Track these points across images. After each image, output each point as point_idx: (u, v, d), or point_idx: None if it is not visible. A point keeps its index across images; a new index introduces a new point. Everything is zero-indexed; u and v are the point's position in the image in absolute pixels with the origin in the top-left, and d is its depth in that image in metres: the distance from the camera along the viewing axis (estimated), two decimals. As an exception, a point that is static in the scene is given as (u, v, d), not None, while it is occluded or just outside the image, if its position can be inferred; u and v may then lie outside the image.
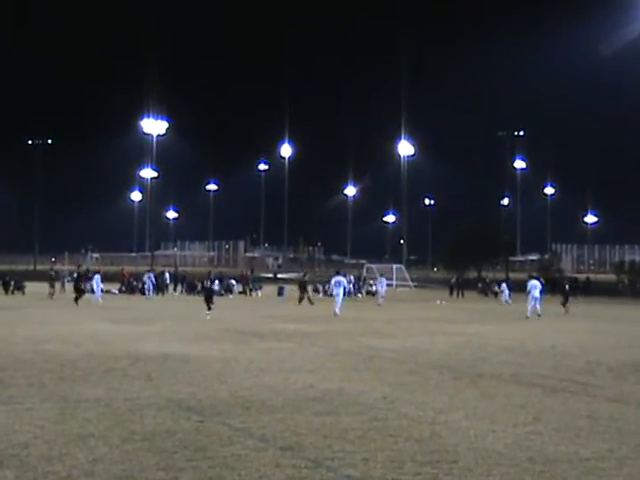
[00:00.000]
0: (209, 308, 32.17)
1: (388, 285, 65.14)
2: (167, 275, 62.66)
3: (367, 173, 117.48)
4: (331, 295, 41.14)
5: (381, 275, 52.94)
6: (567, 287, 42.86)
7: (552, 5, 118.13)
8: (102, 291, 44.93)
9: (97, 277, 44.75)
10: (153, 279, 54.71)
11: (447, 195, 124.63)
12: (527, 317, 34.42)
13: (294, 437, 9.53)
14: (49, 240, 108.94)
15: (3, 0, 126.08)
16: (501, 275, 73.68)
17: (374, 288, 64.79)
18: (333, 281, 38.22)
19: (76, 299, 39.73)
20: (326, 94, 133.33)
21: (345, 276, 41.25)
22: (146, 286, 53.11)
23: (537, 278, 38.65)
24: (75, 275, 46.95)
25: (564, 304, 39.59)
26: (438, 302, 50.13)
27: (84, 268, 52.26)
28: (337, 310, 34.55)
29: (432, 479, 7.92)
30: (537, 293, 35.52)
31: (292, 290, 53.85)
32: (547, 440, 9.62)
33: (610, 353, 20.03)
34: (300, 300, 43.20)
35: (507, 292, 50.55)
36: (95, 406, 11.36)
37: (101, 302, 41.19)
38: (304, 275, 53.99)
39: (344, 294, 38.12)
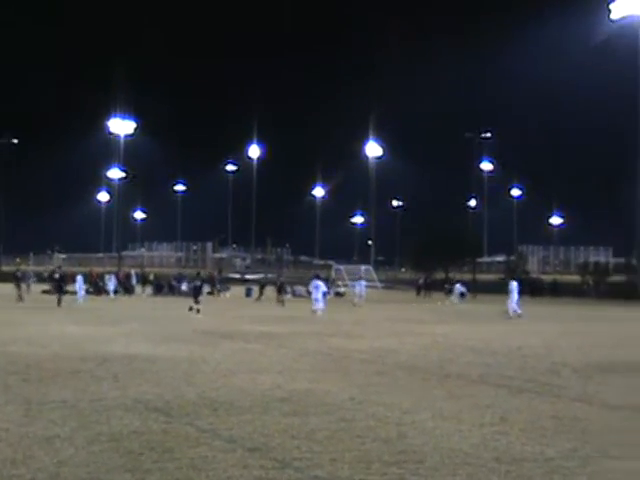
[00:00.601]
0: (197, 309, 34.09)
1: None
2: (134, 276, 62.48)
3: (335, 174, 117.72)
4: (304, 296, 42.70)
5: (359, 278, 53.74)
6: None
7: (520, 5, 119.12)
8: (85, 292, 45.74)
9: (79, 278, 44.91)
10: (114, 280, 54.65)
11: (415, 196, 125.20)
12: (510, 317, 34.84)
13: (262, 438, 9.52)
14: (13, 240, 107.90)
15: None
16: (468, 276, 74.04)
17: (342, 289, 65.10)
18: (312, 285, 38.88)
19: (59, 301, 40.40)
20: (294, 95, 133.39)
21: (322, 279, 42.07)
22: (108, 287, 53.06)
23: (518, 279, 39.61)
24: (57, 276, 46.73)
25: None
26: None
27: (62, 269, 52.17)
28: (317, 308, 36.19)
29: (399, 479, 7.95)
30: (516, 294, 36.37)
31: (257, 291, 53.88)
32: (513, 440, 9.68)
33: (575, 354, 20.22)
34: (281, 302, 44.38)
35: (458, 292, 51.66)
36: (61, 407, 11.27)
37: (82, 303, 41.20)
38: (279, 276, 54.37)
39: (324, 296, 38.69)
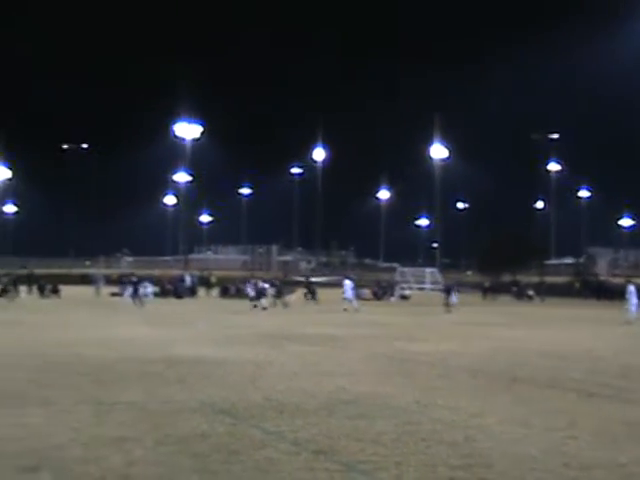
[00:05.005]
0: (262, 307, 38.69)
1: (420, 289, 65.08)
2: (189, 278, 63.48)
3: (400, 176, 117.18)
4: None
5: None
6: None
7: (586, 6, 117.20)
8: (151, 295, 47.96)
9: (147, 283, 46.78)
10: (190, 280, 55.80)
11: (480, 198, 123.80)
12: (630, 322, 33.59)
13: (327, 441, 9.52)
14: (84, 244, 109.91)
15: (45, 7, 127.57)
16: (535, 279, 73.07)
17: (407, 292, 64.77)
18: (345, 285, 43.41)
19: (134, 303, 43.42)
20: (359, 97, 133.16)
21: (351, 279, 46.03)
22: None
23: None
24: (135, 279, 48.12)
25: None
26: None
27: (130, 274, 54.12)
28: (354, 305, 40.57)
29: (466, 484, 7.88)
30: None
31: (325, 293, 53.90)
32: (583, 445, 9.51)
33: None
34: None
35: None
36: (130, 409, 11.44)
37: (150, 305, 43.31)
38: (307, 277, 55.33)
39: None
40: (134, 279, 48.14)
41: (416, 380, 15.05)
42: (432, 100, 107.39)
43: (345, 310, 40.72)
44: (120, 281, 61.21)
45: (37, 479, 7.67)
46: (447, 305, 43.02)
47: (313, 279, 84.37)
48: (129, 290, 46.64)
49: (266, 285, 53.01)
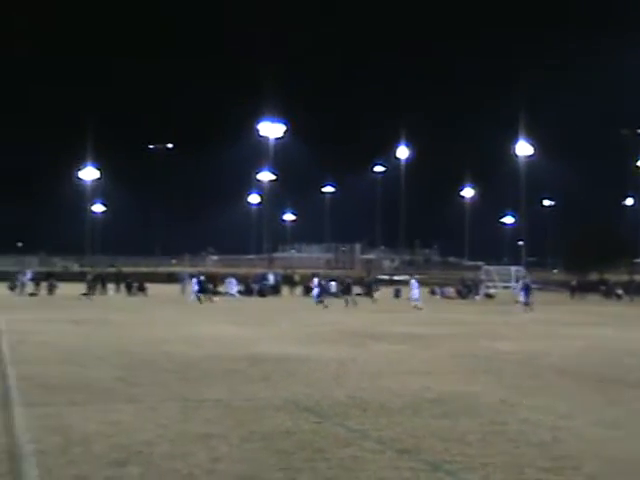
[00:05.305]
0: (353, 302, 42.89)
1: (506, 288, 64.21)
2: (272, 276, 64.14)
3: (485, 174, 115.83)
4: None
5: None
6: None
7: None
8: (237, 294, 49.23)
9: (232, 280, 47.54)
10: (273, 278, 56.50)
11: (567, 195, 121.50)
12: None
13: (412, 440, 9.45)
14: (171, 242, 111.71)
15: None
16: (624, 278, 71.46)
17: (492, 291, 64.03)
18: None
19: (203, 300, 44.50)
20: (442, 94, 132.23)
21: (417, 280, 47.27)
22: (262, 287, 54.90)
23: None
24: (203, 278, 48.84)
25: None
26: None
27: (202, 271, 55.22)
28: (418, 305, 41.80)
29: (554, 486, 7.72)
30: None
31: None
32: (676, 448, 9.24)
33: None
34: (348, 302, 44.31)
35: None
36: (215, 406, 11.56)
37: (235, 303, 45.65)
38: (341, 276, 56.18)
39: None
40: (200, 277, 48.67)
41: (502, 379, 14.85)
42: (518, 96, 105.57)
43: (416, 308, 41.20)
44: (178, 278, 62.51)
45: (126, 474, 7.80)
46: (527, 304, 42.51)
47: (396, 277, 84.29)
48: (194, 286, 47.02)
49: (332, 283, 53.28)
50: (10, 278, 57.42)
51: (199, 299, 44.58)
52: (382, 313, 37.81)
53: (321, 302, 43.58)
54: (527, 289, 44.48)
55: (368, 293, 55.96)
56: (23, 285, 53.96)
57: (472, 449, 9.00)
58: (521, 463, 8.41)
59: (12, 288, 54.89)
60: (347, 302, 43.37)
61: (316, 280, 50.04)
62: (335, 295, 49.94)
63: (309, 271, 77.72)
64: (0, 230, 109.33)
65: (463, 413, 11.21)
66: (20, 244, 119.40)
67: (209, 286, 50.32)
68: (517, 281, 61.13)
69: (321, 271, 71.73)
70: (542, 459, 8.59)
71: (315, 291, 48.02)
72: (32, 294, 52.24)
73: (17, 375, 14.39)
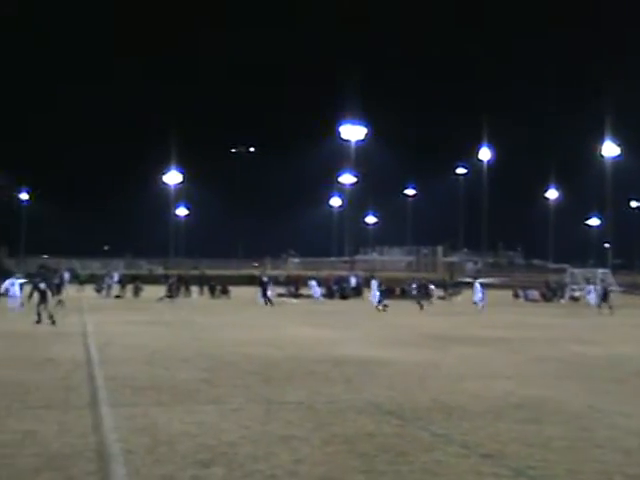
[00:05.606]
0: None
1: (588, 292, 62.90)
2: (353, 279, 64.16)
3: (569, 175, 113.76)
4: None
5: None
6: None
7: None
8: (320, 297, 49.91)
9: (313, 283, 48.15)
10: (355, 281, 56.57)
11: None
12: None
13: (495, 445, 9.34)
14: (253, 245, 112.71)
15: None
16: None
17: (577, 294, 62.84)
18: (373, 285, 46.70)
19: (266, 302, 45.28)
20: (525, 95, 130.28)
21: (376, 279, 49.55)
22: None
23: None
24: (265, 279, 49.28)
25: None
26: None
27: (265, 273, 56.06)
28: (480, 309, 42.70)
29: (643, 494, 7.54)
30: None
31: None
32: None
33: None
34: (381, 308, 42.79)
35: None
36: (297, 408, 11.62)
37: (320, 305, 46.12)
38: (373, 277, 56.60)
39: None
40: (265, 279, 48.86)
41: (588, 384, 14.56)
42: (603, 95, 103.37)
43: (481, 309, 42.84)
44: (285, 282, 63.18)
45: (211, 474, 7.90)
46: (609, 307, 41.90)
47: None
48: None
49: (414, 285, 52.97)
50: (97, 281, 58.81)
51: (268, 302, 44.86)
52: (462, 316, 37.46)
53: (385, 306, 41.97)
54: (605, 293, 44.11)
55: (450, 295, 55.70)
56: (109, 287, 55.18)
57: (557, 455, 8.85)
58: (608, 470, 8.23)
59: (98, 290, 56.19)
60: (422, 306, 43.07)
61: (375, 283, 48.48)
62: (415, 298, 49.63)
63: (392, 274, 77.53)
64: (87, 234, 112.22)
65: (548, 418, 11.02)
66: (106, 247, 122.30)
67: (291, 289, 50.87)
68: (588, 283, 59.98)
69: (382, 274, 71.64)
70: (631, 466, 8.40)
71: (375, 294, 45.97)
72: (118, 296, 53.36)
73: (105, 376, 14.70)
